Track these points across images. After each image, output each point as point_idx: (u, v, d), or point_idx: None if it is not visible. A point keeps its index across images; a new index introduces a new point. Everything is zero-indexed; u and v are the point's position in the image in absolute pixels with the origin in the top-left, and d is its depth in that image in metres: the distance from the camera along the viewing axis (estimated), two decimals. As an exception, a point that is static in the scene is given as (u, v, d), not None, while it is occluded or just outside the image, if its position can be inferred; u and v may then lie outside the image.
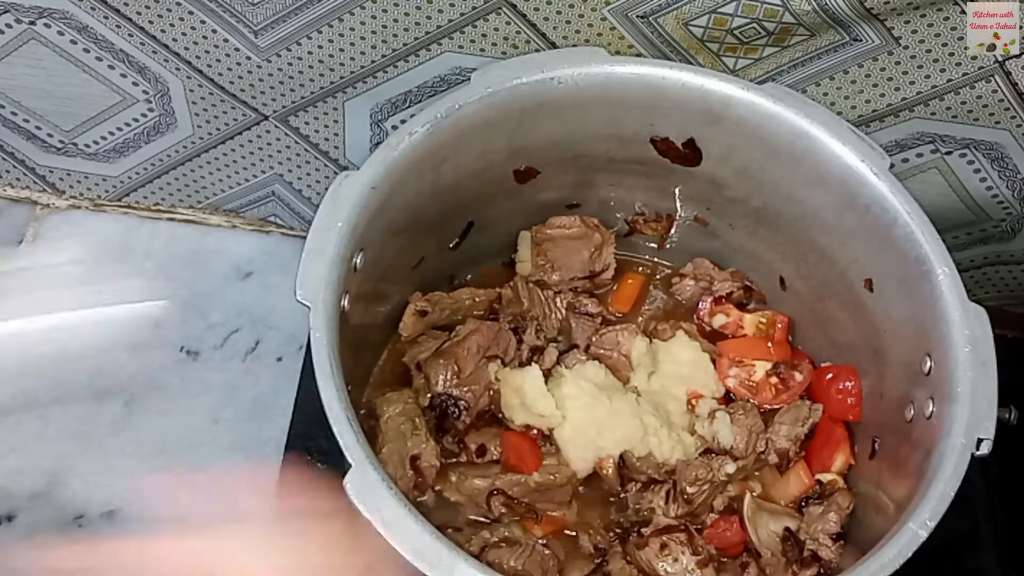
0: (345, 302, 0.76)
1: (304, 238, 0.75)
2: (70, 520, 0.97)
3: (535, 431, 0.89)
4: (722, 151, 0.88)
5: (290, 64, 0.93)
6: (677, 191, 0.95)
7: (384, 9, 0.87)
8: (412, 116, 0.82)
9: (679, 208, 0.97)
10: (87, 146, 1.06)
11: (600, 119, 0.87)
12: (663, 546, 0.85)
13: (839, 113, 0.88)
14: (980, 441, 0.72)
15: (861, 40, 0.84)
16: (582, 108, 0.85)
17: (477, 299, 0.95)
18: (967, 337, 0.76)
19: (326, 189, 0.77)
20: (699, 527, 0.87)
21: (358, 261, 0.77)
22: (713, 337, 0.98)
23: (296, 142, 1.02)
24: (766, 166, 0.87)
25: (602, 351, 0.95)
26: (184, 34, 0.92)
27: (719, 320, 0.99)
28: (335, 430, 0.68)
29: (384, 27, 0.88)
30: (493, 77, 0.82)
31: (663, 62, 0.85)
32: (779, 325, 0.97)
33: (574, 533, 0.88)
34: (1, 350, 1.05)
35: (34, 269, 1.10)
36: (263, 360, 1.06)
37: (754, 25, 0.84)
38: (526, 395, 0.89)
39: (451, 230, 0.93)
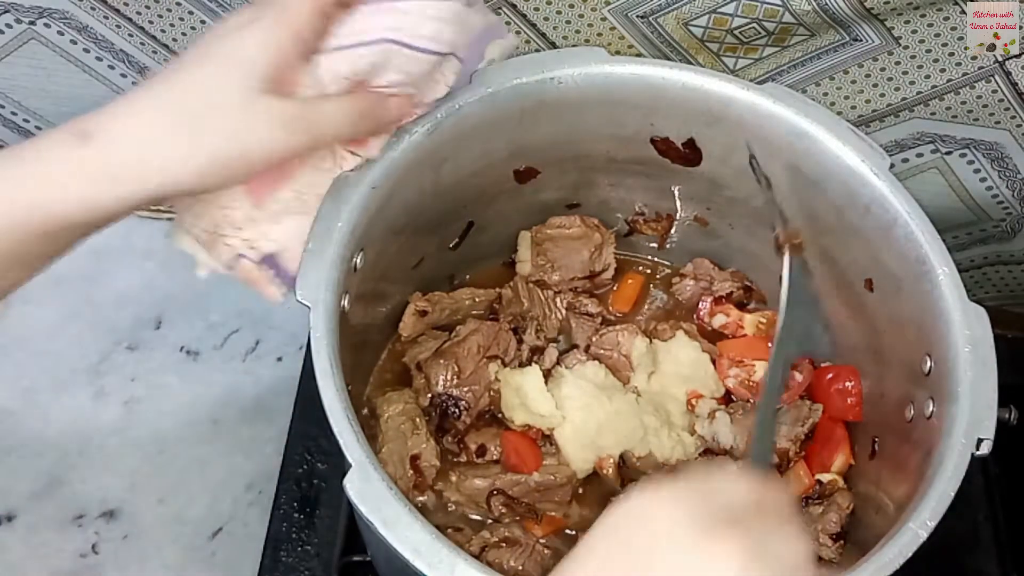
0: (345, 302, 0.76)
1: (304, 238, 0.75)
2: (70, 520, 0.97)
3: (535, 431, 0.89)
4: (722, 151, 0.88)
5: (290, 64, 0.93)
6: (677, 191, 0.95)
7: (384, 9, 0.87)
8: (412, 116, 0.82)
9: (679, 208, 0.97)
10: (87, 146, 1.06)
11: (600, 119, 0.87)
12: (663, 546, 0.85)
13: (839, 113, 0.88)
14: (980, 441, 0.72)
15: (861, 40, 0.84)
16: (582, 108, 0.85)
17: (477, 299, 0.95)
18: (967, 337, 0.75)
19: (326, 189, 0.77)
20: (699, 527, 0.87)
21: (358, 261, 0.77)
22: (713, 337, 0.98)
23: (296, 142, 1.02)
24: (766, 166, 0.87)
25: (602, 351, 0.95)
26: (184, 34, 0.92)
27: (719, 320, 0.98)
28: (335, 430, 0.68)
29: (384, 27, 0.88)
30: (493, 77, 0.82)
31: (663, 62, 0.85)
32: (779, 325, 0.97)
33: (574, 533, 0.88)
34: (2, 350, 1.05)
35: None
36: (263, 360, 1.06)
37: (754, 25, 0.84)
38: (526, 395, 0.89)
39: (451, 230, 0.93)
